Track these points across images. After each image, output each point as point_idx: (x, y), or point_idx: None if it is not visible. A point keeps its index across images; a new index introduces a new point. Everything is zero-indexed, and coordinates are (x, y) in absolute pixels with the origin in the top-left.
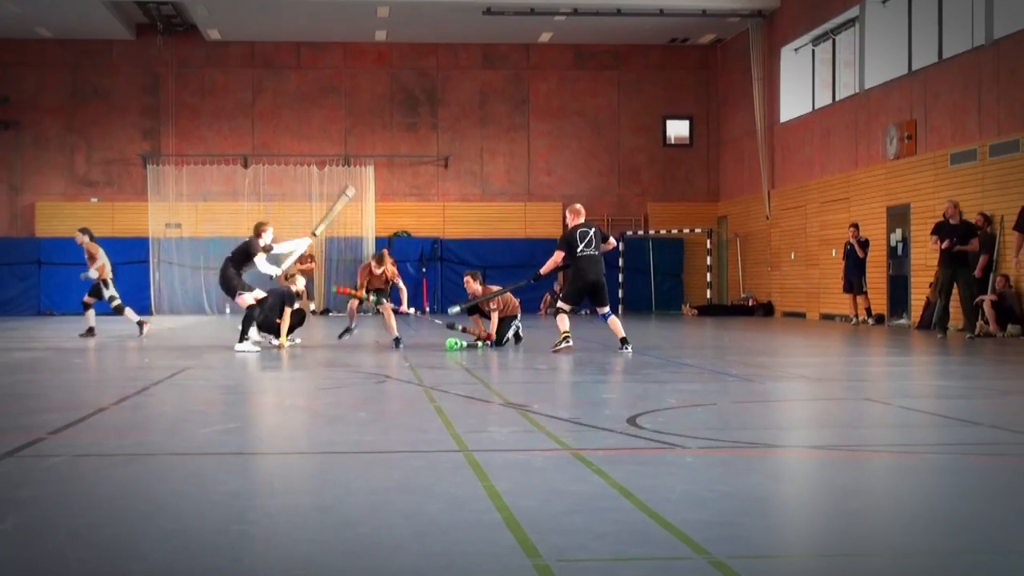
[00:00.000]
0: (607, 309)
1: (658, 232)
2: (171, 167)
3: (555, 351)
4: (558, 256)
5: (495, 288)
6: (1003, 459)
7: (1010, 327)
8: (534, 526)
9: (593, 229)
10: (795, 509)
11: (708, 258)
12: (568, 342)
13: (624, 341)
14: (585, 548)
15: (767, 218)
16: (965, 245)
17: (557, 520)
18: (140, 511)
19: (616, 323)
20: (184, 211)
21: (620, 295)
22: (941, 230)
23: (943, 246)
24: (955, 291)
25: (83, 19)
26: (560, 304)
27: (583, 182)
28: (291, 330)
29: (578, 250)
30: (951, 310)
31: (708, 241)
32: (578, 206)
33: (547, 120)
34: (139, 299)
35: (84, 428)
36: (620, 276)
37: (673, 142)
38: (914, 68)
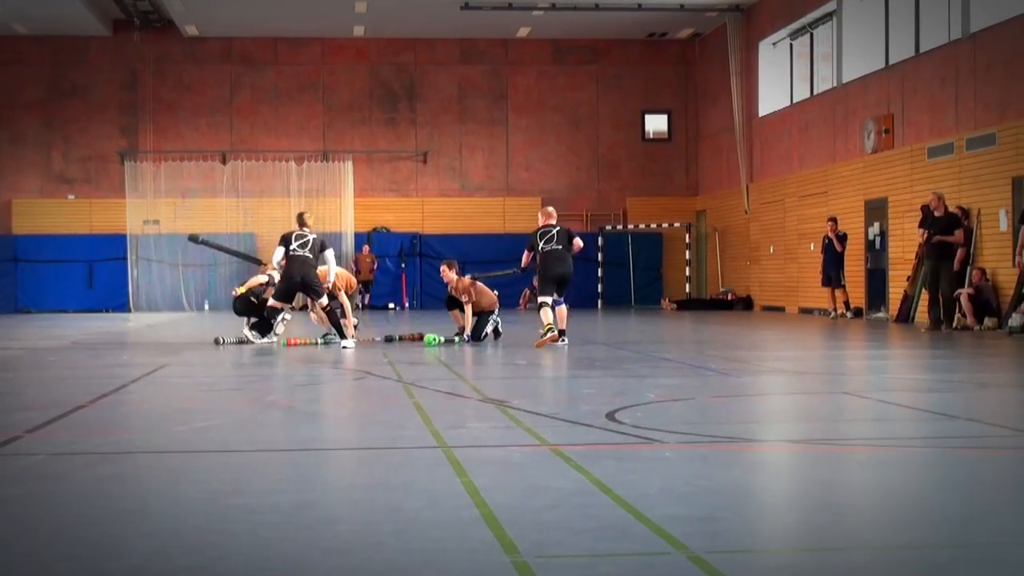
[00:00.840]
0: (560, 298)
1: (637, 227)
2: (149, 164)
3: (539, 344)
4: (527, 255)
5: (467, 280)
6: (981, 452)
7: (987, 320)
8: (513, 522)
9: (557, 228)
10: (774, 504)
11: (687, 252)
12: (552, 332)
13: (562, 333)
14: (564, 544)
15: (746, 212)
16: (947, 236)
17: (536, 516)
18: (118, 510)
19: (563, 313)
20: (162, 208)
21: (599, 289)
22: (927, 222)
23: (923, 237)
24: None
25: (60, 15)
26: (541, 298)
27: (562, 177)
28: (264, 328)
29: (539, 247)
30: (922, 302)
31: (687, 235)
32: (549, 209)
33: (526, 115)
34: (117, 296)
35: (62, 426)
36: (599, 271)
37: (652, 137)
38: (891, 62)
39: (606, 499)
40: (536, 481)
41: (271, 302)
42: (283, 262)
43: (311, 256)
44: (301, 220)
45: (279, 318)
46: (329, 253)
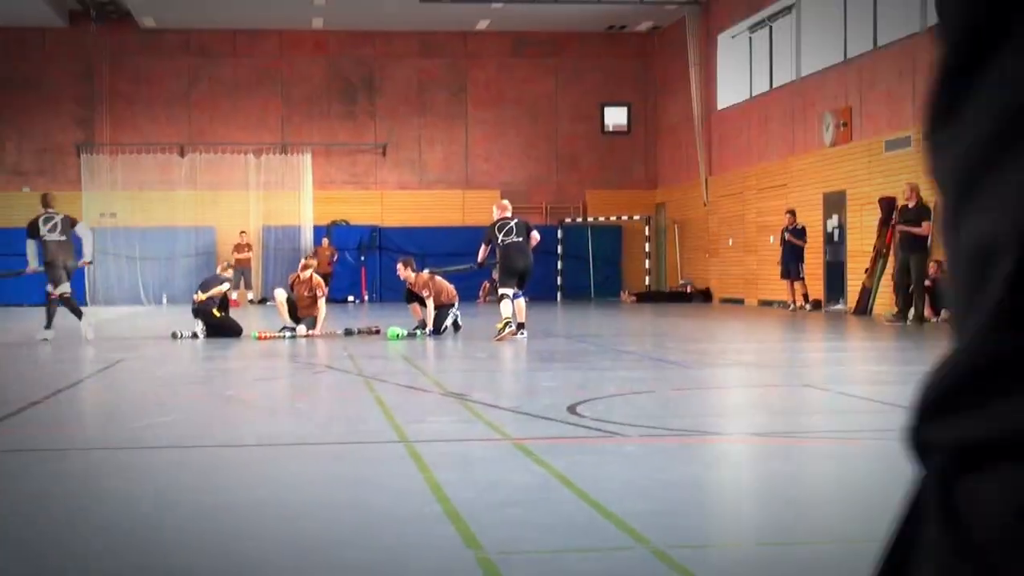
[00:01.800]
0: (520, 291)
1: (596, 219)
2: (106, 156)
3: (498, 339)
4: (483, 249)
5: (425, 275)
6: None
7: (944, 313)
8: (475, 517)
9: (515, 221)
10: (736, 497)
11: (647, 245)
12: (511, 327)
13: (521, 326)
14: (527, 540)
15: (705, 205)
16: (913, 227)
17: (498, 511)
18: (71, 508)
19: (522, 306)
20: (120, 200)
21: (559, 282)
22: (902, 214)
23: (891, 227)
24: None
25: (14, 7)
26: (501, 290)
27: (521, 170)
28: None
29: (499, 239)
30: (884, 292)
31: (646, 228)
32: (504, 202)
33: (485, 108)
34: (74, 289)
35: (15, 423)
36: (559, 263)
37: (611, 129)
38: (850, 55)
39: (569, 493)
40: (498, 476)
41: None
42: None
43: (65, 238)
44: (45, 201)
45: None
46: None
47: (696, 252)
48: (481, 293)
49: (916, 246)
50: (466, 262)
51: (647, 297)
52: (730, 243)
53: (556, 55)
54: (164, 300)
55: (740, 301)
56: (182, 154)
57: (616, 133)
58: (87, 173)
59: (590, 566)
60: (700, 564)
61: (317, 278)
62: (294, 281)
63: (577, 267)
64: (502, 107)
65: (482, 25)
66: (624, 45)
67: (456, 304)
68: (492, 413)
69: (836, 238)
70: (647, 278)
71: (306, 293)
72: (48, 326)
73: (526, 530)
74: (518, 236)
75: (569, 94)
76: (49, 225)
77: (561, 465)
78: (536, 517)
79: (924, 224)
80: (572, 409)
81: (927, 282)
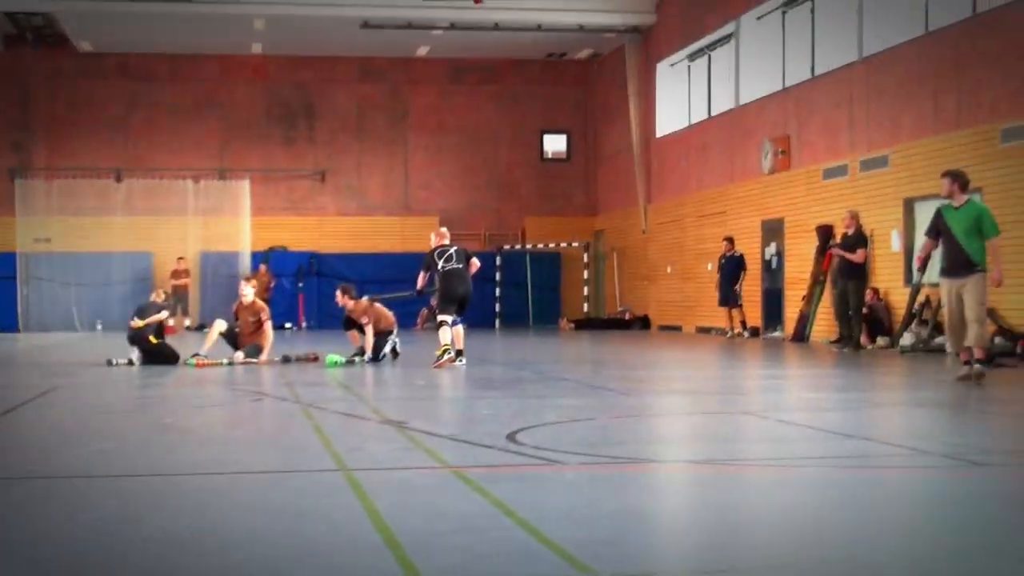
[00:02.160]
0: (459, 318)
1: (535, 246)
2: (41, 181)
3: (437, 366)
4: (422, 276)
5: (364, 302)
6: (875, 471)
7: (879, 339)
8: (415, 547)
9: (455, 248)
10: (675, 525)
11: (585, 272)
12: (449, 354)
13: (460, 353)
14: (467, 569)
15: (644, 232)
16: (849, 254)
17: (438, 540)
18: (5, 540)
19: (460, 333)
20: (55, 226)
21: (498, 309)
22: (841, 240)
23: (828, 254)
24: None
25: None
26: (440, 317)
27: (461, 196)
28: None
29: (439, 266)
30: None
31: (585, 255)
32: (443, 229)
33: (425, 134)
34: (6, 316)
35: None
36: (497, 290)
37: (551, 156)
38: (788, 84)
39: (509, 522)
40: (438, 504)
41: None
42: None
43: None
44: None
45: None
46: None
47: (635, 279)
48: (420, 320)
49: (852, 273)
50: (405, 289)
51: (586, 324)
52: (669, 270)
53: (496, 82)
54: (99, 327)
55: (678, 328)
56: (119, 179)
57: (556, 160)
58: (21, 198)
59: None
60: None
61: (260, 302)
62: (237, 308)
63: (516, 294)
64: (442, 134)
65: (422, 51)
66: (564, 72)
67: (395, 331)
68: (431, 441)
69: (774, 265)
70: (586, 305)
71: (250, 318)
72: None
73: (467, 558)
74: (458, 263)
75: (509, 121)
76: None
77: (501, 493)
78: (477, 546)
79: (859, 251)
80: (511, 437)
81: (864, 309)
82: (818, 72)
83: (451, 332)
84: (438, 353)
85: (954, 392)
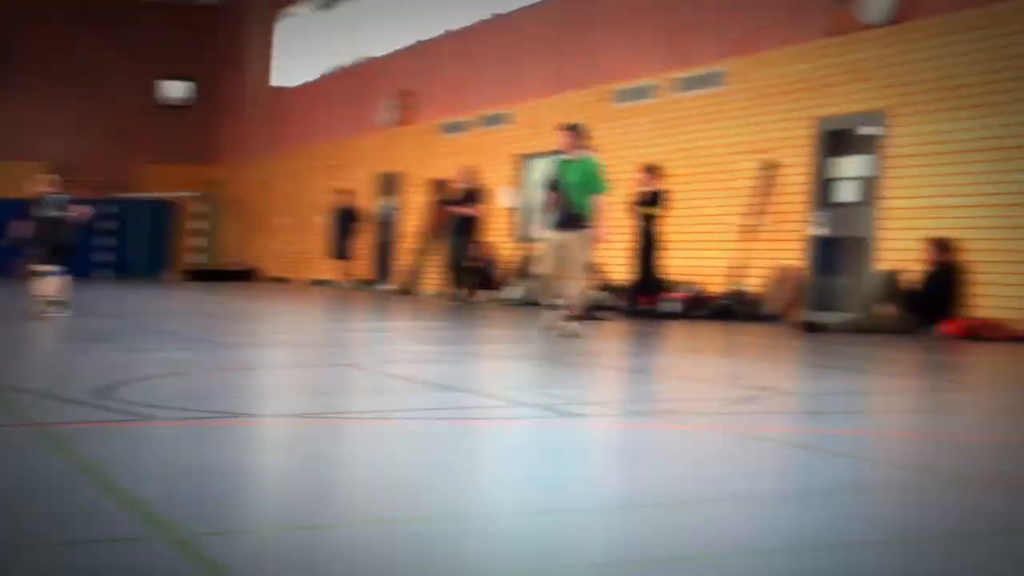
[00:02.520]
0: (62, 268)
1: (151, 195)
2: None
3: (38, 317)
4: (18, 224)
5: None
6: (472, 423)
7: (488, 293)
8: None
9: (57, 194)
10: (268, 480)
11: (202, 223)
12: (52, 305)
13: (62, 304)
14: (32, 533)
15: (262, 183)
16: (462, 207)
17: (4, 502)
18: None
19: (63, 283)
20: None
21: (107, 259)
22: (441, 193)
23: (440, 208)
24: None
25: None
26: (39, 267)
27: (74, 142)
28: None
29: (39, 214)
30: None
31: (201, 205)
32: (51, 176)
33: (36, 76)
34: None
35: None
36: (110, 240)
37: (170, 103)
38: (415, 40)
39: (88, 481)
40: (18, 463)
41: None
42: None
43: None
44: None
45: None
46: None
47: (251, 230)
48: (19, 269)
49: (464, 227)
50: None
51: (198, 275)
52: (284, 222)
53: (115, 23)
54: None
55: (291, 279)
56: None
57: (175, 107)
58: None
59: (103, 558)
60: (223, 551)
61: None
62: None
63: (128, 244)
64: (55, 76)
65: None
66: (188, 18)
67: None
68: (18, 397)
69: (388, 218)
70: (200, 256)
71: None
72: None
73: (34, 522)
74: (59, 211)
75: (127, 65)
76: None
77: (86, 451)
78: (51, 507)
79: (473, 207)
80: (104, 392)
81: (475, 263)
82: (447, 29)
83: (52, 283)
84: (40, 305)
85: (556, 346)
